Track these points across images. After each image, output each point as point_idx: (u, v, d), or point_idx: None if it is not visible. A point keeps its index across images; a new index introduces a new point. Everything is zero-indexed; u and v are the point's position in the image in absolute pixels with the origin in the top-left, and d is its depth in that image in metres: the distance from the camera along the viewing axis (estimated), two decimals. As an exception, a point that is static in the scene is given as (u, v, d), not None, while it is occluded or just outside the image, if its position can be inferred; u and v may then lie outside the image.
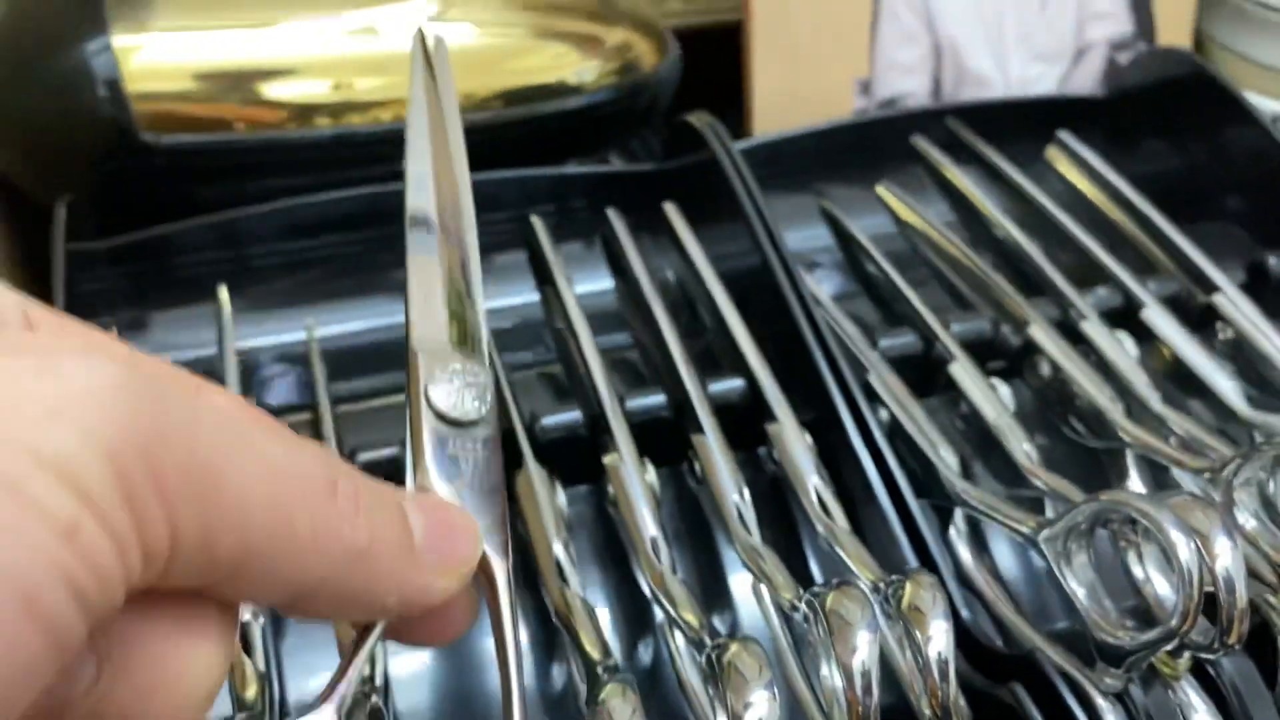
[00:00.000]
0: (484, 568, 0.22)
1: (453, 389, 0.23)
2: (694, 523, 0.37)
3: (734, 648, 0.25)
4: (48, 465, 0.14)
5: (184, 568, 0.16)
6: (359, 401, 0.40)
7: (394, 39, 0.47)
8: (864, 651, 0.25)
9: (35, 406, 0.15)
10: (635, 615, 0.35)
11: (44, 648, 0.14)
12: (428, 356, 0.23)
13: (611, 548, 0.36)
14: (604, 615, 0.35)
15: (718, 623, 0.36)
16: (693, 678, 0.29)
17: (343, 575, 0.19)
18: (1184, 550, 0.27)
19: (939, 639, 0.26)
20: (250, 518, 0.17)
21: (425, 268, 0.25)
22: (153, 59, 0.42)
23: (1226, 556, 0.28)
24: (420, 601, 0.20)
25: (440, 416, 0.23)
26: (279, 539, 0.17)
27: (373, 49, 0.47)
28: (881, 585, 0.28)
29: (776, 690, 0.24)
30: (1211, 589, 0.28)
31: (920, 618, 0.26)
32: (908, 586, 0.27)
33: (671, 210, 0.43)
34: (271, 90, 0.45)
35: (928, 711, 0.27)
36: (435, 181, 0.26)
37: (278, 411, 0.40)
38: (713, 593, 0.36)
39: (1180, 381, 0.40)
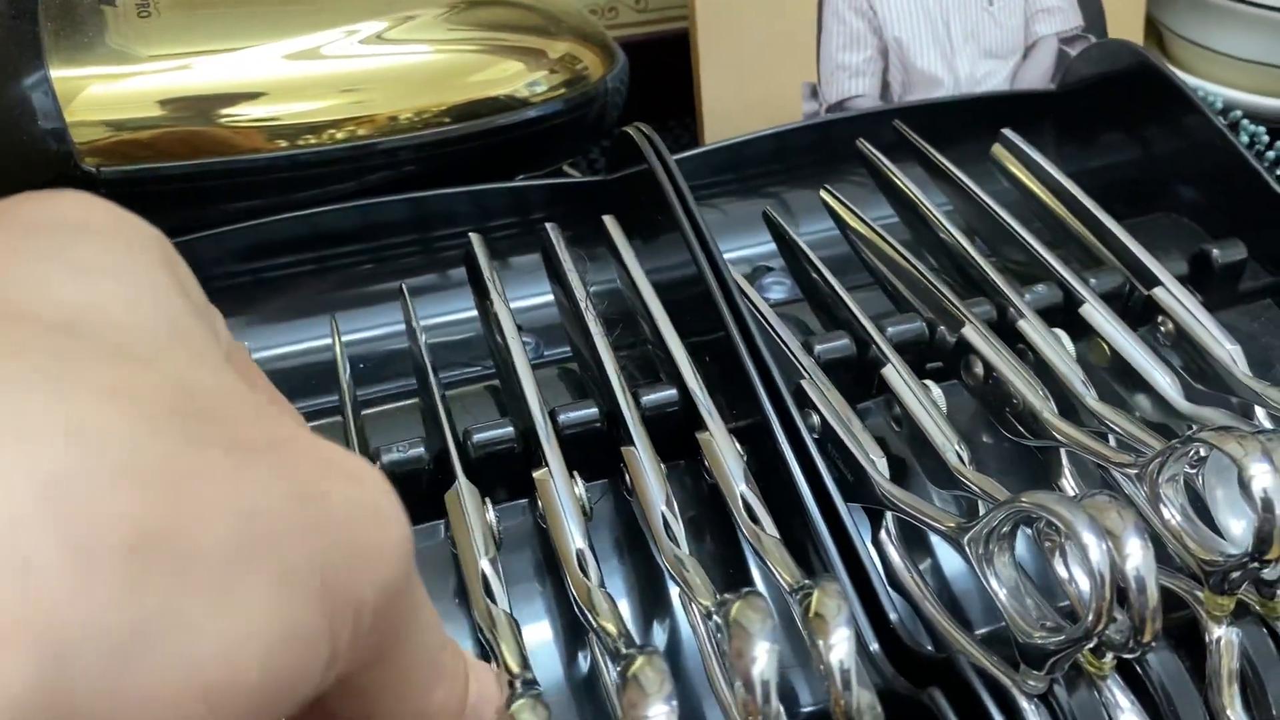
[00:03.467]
0: None
1: None
2: (630, 533, 0.37)
3: (639, 661, 0.26)
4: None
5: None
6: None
7: (339, 62, 0.47)
8: (762, 661, 0.25)
9: (365, 546, 0.18)
10: (568, 627, 0.35)
11: (326, 659, 0.17)
12: None
13: (548, 560, 0.36)
14: (535, 629, 0.35)
15: (658, 630, 0.36)
16: (612, 689, 0.29)
17: None
18: (1095, 551, 0.28)
19: (839, 647, 0.26)
20: (394, 679, 0.20)
21: None
22: (92, 91, 0.43)
23: (1137, 557, 0.28)
24: None
25: None
26: (393, 694, 0.20)
27: (321, 72, 0.47)
28: (796, 592, 0.29)
29: (674, 704, 0.24)
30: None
31: (823, 625, 0.26)
32: (815, 594, 0.27)
33: (610, 222, 0.43)
34: (214, 116, 0.45)
35: (840, 717, 0.27)
36: None
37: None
38: (649, 602, 0.36)
39: (1122, 376, 0.40)
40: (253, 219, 0.45)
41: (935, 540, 0.38)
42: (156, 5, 0.45)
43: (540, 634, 0.35)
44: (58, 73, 0.42)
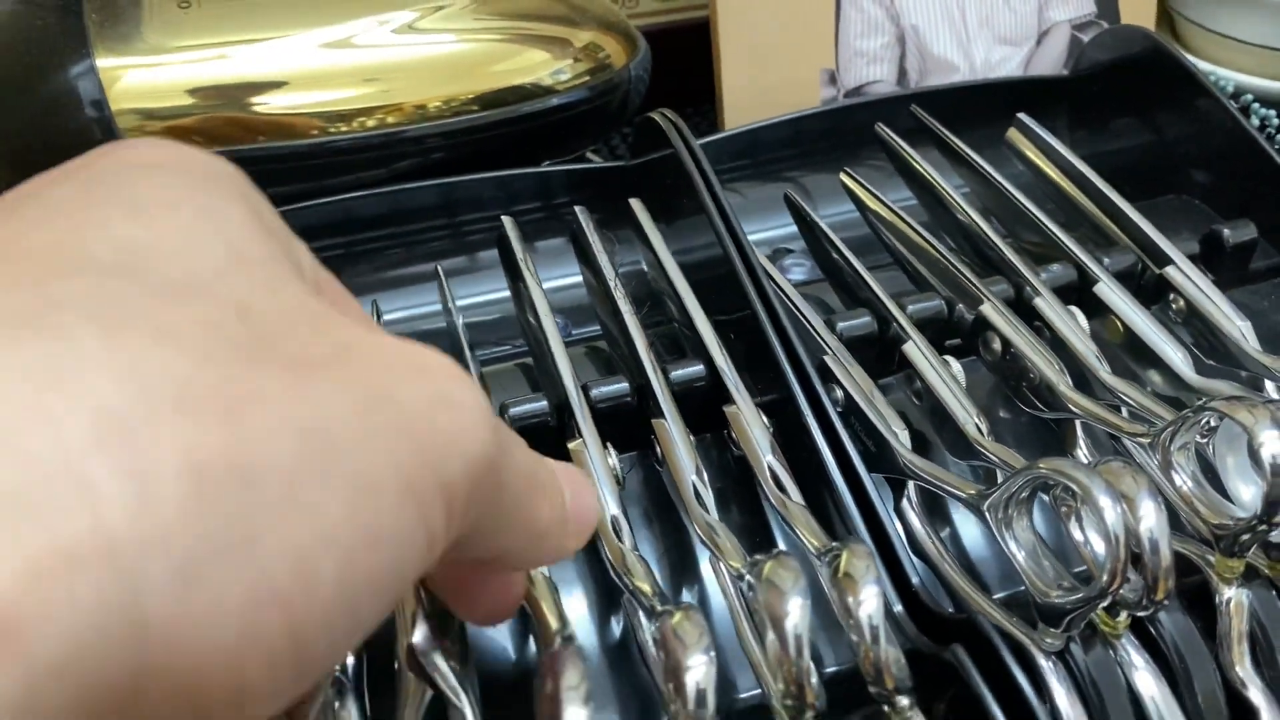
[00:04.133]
0: None
1: None
2: (661, 502, 0.39)
3: (677, 616, 0.27)
4: (436, 477, 0.18)
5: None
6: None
7: (371, 51, 0.49)
8: (795, 616, 0.26)
9: (442, 436, 0.19)
10: (603, 592, 0.37)
11: (424, 546, 0.18)
12: None
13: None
14: (571, 594, 0.37)
15: (687, 594, 0.38)
16: (649, 645, 0.31)
17: (525, 548, 0.23)
18: (1110, 514, 0.29)
19: (869, 603, 0.27)
20: (504, 520, 0.21)
21: None
22: (137, 79, 0.44)
23: (1151, 519, 0.29)
24: (557, 559, 0.25)
25: None
26: (507, 530, 0.22)
27: (353, 61, 0.49)
28: (825, 555, 0.30)
29: (713, 655, 0.26)
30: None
31: (852, 584, 0.27)
32: (843, 555, 0.28)
33: (636, 205, 0.44)
34: (254, 104, 0.46)
35: (869, 671, 0.28)
36: None
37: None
38: (680, 567, 0.38)
39: (1135, 352, 0.41)
40: (288, 204, 0.46)
41: (955, 510, 0.39)
42: (196, -4, 0.46)
43: (576, 598, 0.37)
44: (103, 62, 0.43)
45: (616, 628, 0.37)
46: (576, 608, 0.37)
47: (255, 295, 0.18)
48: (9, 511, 0.13)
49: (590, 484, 0.26)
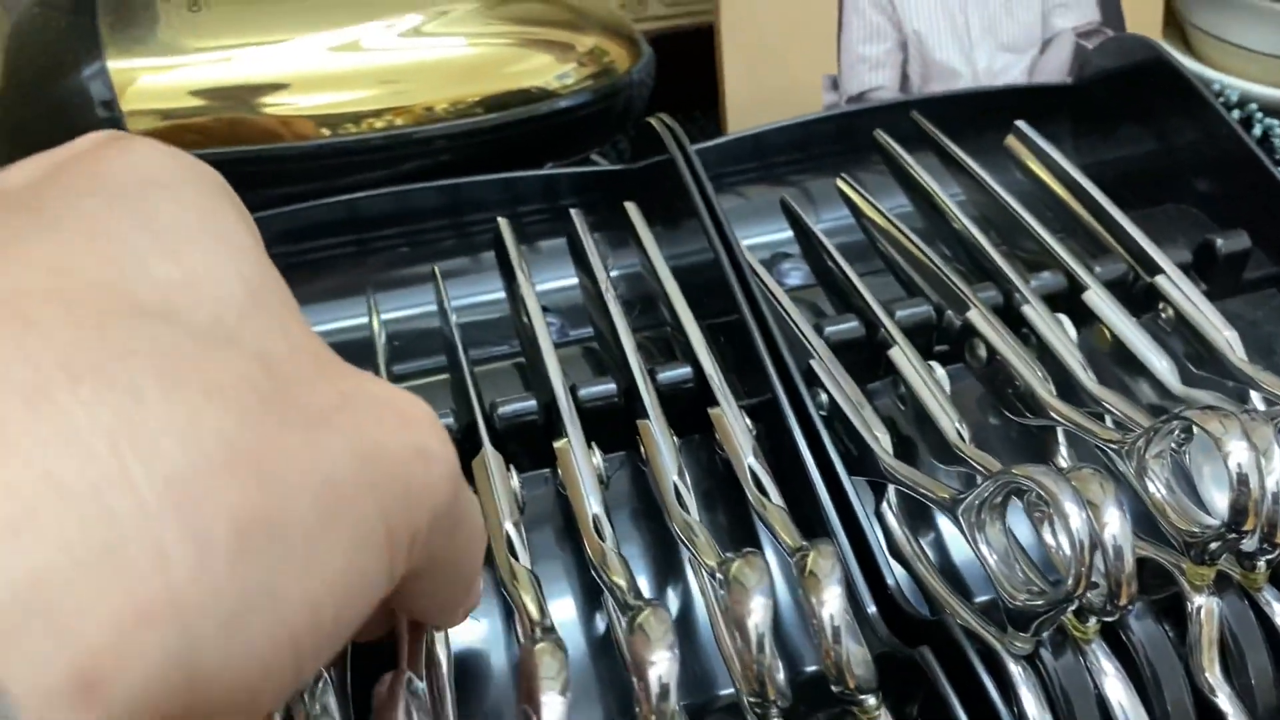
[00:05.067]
0: None
1: None
2: (645, 502, 0.39)
3: (645, 611, 0.28)
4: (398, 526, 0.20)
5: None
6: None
7: (378, 54, 0.50)
8: (758, 614, 0.27)
9: (418, 487, 0.20)
10: (585, 587, 0.37)
11: (387, 584, 0.20)
12: None
13: (568, 526, 0.39)
14: (554, 589, 0.37)
15: (670, 594, 0.39)
16: (622, 639, 0.31)
17: (451, 593, 0.25)
18: (1075, 519, 0.29)
19: (831, 603, 0.28)
20: (444, 564, 0.23)
21: None
22: (146, 80, 0.45)
23: (1115, 525, 0.29)
24: (466, 614, 0.28)
25: None
26: (442, 572, 0.23)
27: (361, 63, 0.50)
28: (795, 554, 0.31)
29: (676, 650, 0.26)
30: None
31: (816, 583, 0.28)
32: (810, 555, 0.29)
33: (631, 209, 0.45)
34: (261, 105, 0.47)
35: (831, 670, 0.29)
36: None
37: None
38: (661, 567, 0.38)
39: (1122, 361, 0.42)
40: (294, 203, 0.47)
41: (937, 516, 0.40)
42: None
43: (559, 593, 0.37)
44: (114, 64, 0.44)
45: (601, 623, 0.38)
46: (561, 602, 0.37)
47: (272, 340, 0.19)
48: (99, 569, 0.15)
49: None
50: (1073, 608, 0.31)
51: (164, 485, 0.15)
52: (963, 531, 0.33)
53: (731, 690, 0.36)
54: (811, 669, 0.36)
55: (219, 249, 0.20)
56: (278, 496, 0.17)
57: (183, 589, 0.15)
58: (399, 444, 0.20)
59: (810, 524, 0.36)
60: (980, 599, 0.37)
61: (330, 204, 0.47)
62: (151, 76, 0.45)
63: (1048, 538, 0.33)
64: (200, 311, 0.18)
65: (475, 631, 0.37)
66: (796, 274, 0.51)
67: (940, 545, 0.40)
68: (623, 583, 0.31)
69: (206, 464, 0.16)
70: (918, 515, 0.40)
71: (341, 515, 0.18)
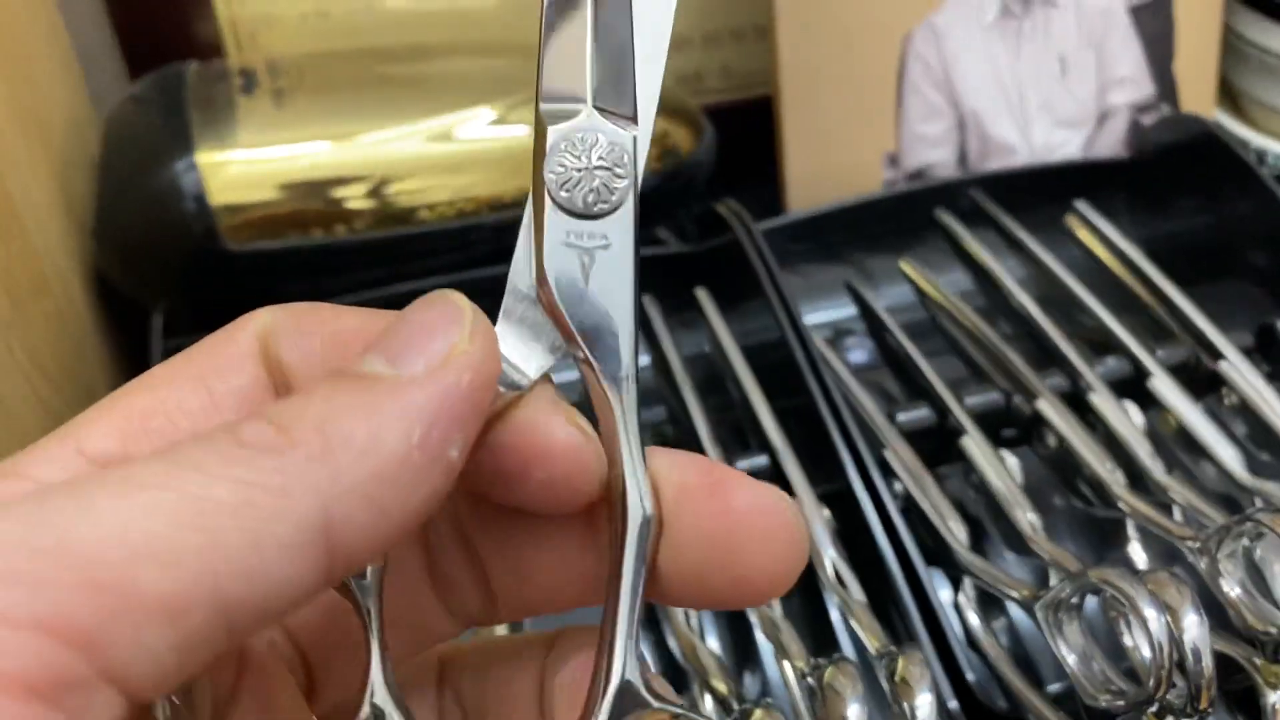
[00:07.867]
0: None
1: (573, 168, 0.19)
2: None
3: (758, 713, 0.29)
4: None
5: None
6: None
7: (460, 144, 0.51)
8: (854, 722, 0.28)
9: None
10: (671, 679, 0.38)
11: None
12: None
13: (647, 617, 0.40)
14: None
15: (750, 683, 0.39)
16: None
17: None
18: (1155, 624, 0.30)
19: (923, 710, 0.29)
20: None
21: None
22: (235, 174, 0.47)
23: (1194, 630, 0.30)
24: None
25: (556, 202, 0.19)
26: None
27: (441, 152, 0.51)
28: (882, 658, 0.32)
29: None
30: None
31: (908, 690, 0.29)
32: (900, 661, 0.30)
33: (702, 295, 0.46)
34: (346, 197, 0.49)
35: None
36: None
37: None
38: (746, 659, 0.39)
39: (1188, 447, 0.43)
40: (368, 289, 0.49)
41: (1009, 602, 0.41)
42: (289, 94, 0.49)
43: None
44: (204, 158, 0.46)
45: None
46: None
47: None
48: None
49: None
50: (1154, 709, 0.32)
51: None
52: (1041, 630, 0.34)
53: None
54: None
55: None
56: None
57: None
58: None
59: (887, 614, 0.37)
60: (1052, 687, 0.38)
61: (403, 293, 0.49)
62: (239, 170, 0.47)
63: (1125, 637, 0.34)
64: None
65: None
66: (859, 351, 0.52)
67: (1013, 630, 0.41)
68: (720, 684, 0.32)
69: None
70: (990, 599, 0.40)
71: None
